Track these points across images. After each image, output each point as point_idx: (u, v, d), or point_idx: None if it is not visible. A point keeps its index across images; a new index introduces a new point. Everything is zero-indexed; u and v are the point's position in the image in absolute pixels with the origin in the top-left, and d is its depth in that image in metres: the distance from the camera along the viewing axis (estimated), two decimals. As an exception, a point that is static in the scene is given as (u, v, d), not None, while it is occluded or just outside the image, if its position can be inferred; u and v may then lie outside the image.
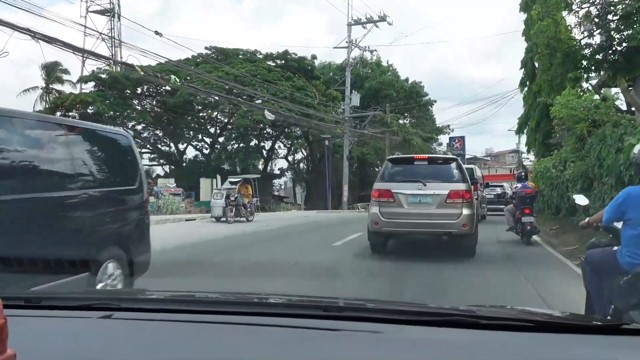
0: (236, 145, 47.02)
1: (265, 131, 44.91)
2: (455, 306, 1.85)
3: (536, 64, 19.62)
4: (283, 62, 45.26)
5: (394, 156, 15.22)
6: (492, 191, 27.18)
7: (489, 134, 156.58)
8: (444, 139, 59.73)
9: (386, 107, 41.21)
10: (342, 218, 24.07)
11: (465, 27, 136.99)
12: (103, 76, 38.71)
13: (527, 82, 21.28)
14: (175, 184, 36.28)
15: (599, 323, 1.85)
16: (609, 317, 4.17)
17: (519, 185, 14.71)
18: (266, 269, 9.73)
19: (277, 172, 52.86)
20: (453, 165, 11.05)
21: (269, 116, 26.35)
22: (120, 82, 38.24)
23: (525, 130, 21.62)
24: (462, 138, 66.94)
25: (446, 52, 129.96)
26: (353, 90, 40.02)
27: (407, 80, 55.64)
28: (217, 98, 39.37)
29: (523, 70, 21.14)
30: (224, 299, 2.19)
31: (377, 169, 46.67)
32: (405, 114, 54.59)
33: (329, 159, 40.82)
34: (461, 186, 10.38)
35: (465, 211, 10.14)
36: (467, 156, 67.28)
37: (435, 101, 55.69)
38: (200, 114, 39.63)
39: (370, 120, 40.45)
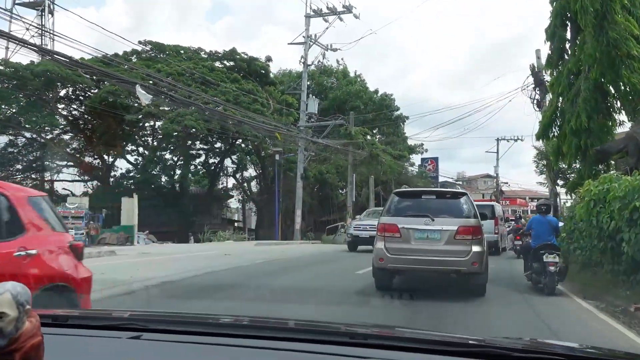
0: (175, 158, 39.14)
1: (193, 143, 37.17)
2: (481, 337, 1.85)
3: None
4: (232, 63, 37.83)
5: (400, 189, 13.88)
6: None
7: (458, 160, 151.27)
8: (416, 159, 52.54)
9: (350, 115, 33.64)
10: (270, 263, 16.00)
11: (435, 52, 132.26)
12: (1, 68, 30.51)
13: (557, 60, 13.78)
14: (76, 205, 27.94)
15: (623, 357, 1.92)
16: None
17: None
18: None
19: (232, 192, 44.93)
20: (462, 199, 10.37)
21: (142, 96, 18.48)
22: (24, 77, 30.15)
23: (553, 133, 13.87)
24: (436, 159, 60.18)
25: (418, 77, 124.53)
26: (311, 96, 32.52)
27: (376, 91, 48.54)
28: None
29: (550, 43, 13.66)
30: (251, 323, 2.21)
31: (341, 192, 39.13)
32: (375, 131, 47.38)
33: (279, 177, 33.06)
34: (471, 222, 9.81)
35: (475, 248, 9.48)
36: (440, 179, 60.64)
37: (407, 117, 48.58)
38: (127, 119, 31.35)
39: (331, 130, 32.81)
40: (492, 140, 67.49)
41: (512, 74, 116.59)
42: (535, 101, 21.35)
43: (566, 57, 13.98)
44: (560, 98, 13.73)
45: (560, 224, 12.78)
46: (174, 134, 32.54)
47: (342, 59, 57.26)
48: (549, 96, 16.17)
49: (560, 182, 20.79)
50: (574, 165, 14.61)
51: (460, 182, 75.97)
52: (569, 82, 13.40)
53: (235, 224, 46.50)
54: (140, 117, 30.42)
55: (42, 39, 35.98)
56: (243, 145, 38.45)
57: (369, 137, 38.61)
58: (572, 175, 20.42)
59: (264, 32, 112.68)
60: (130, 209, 30.58)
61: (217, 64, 37.78)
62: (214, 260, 16.19)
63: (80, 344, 1.78)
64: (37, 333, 1.45)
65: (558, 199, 21.42)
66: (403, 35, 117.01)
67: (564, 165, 16.55)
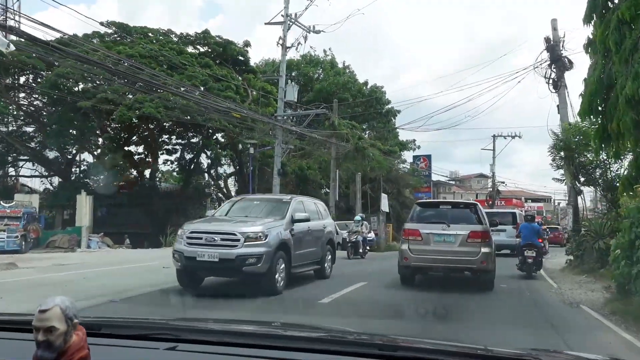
0: (143, 151, 35.00)
1: (166, 136, 33.15)
2: (511, 350, 1.90)
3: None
4: (207, 48, 33.75)
5: (422, 200, 16.04)
6: None
7: (452, 160, 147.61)
8: (407, 156, 48.52)
9: (333, 104, 29.59)
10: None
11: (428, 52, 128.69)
12: None
13: (601, 8, 9.67)
14: (12, 204, 23.82)
15: None
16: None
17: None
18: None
19: (207, 190, 40.62)
20: (473, 209, 11.85)
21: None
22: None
23: (599, 109, 9.66)
24: (428, 157, 56.28)
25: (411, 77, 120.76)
26: (289, 82, 28.45)
27: (365, 83, 44.53)
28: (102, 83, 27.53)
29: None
30: (283, 333, 2.21)
31: (324, 191, 35.06)
32: (364, 126, 43.38)
33: (255, 173, 28.97)
34: (480, 227, 11.23)
35: (484, 249, 10.95)
36: (433, 178, 56.79)
37: (399, 111, 44.56)
38: (80, 106, 27.09)
39: (314, 123, 28.76)
40: (486, 141, 63.52)
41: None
42: (550, 81, 17.44)
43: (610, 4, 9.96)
44: (606, 59, 9.67)
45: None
46: (133, 121, 28.36)
47: (329, 48, 53.42)
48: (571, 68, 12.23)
49: (582, 178, 16.79)
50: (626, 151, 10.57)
51: (454, 182, 72.27)
52: (620, 35, 9.33)
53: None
54: (94, 103, 26.15)
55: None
56: (222, 139, 34.46)
57: (360, 133, 34.51)
58: (596, 168, 16.49)
59: (258, 31, 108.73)
60: (81, 208, 26.49)
61: (190, 48, 33.70)
62: (141, 277, 12.18)
63: (117, 354, 1.80)
64: (84, 346, 1.53)
65: (580, 199, 17.50)
66: (396, 27, 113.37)
67: (603, 156, 12.62)
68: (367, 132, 42.81)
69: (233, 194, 38.10)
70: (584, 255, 15.56)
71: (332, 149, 27.35)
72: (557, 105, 17.30)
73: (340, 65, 45.61)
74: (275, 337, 2.09)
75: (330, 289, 10.43)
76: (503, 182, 55.12)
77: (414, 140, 46.00)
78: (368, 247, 20.73)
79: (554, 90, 17.33)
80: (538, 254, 14.18)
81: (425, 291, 10.94)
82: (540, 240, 15.26)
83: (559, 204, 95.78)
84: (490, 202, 49.34)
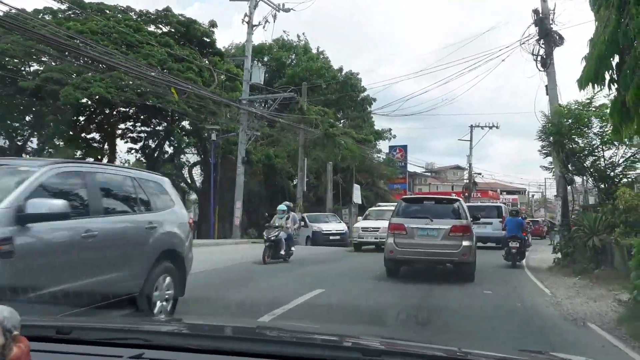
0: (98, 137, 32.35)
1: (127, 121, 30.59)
2: (498, 353, 1.88)
3: None
4: (169, 28, 31.18)
5: (407, 196, 17.06)
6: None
7: (428, 152, 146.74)
8: (383, 145, 46.50)
9: (302, 86, 27.38)
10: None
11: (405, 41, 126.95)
12: None
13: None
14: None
15: None
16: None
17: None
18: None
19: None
20: (456, 205, 12.25)
21: None
22: None
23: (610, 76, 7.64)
24: (404, 147, 54.60)
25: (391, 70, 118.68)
26: (255, 62, 26.20)
27: (340, 69, 42.31)
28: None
29: None
30: (262, 337, 2.06)
31: (292, 183, 32.85)
32: (339, 115, 41.22)
33: (218, 161, 26.70)
34: (462, 222, 11.65)
35: (465, 243, 11.32)
36: (408, 169, 55.08)
37: (375, 99, 42.50)
38: (22, 86, 24.40)
39: (284, 109, 26.53)
40: (463, 132, 61.86)
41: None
42: (539, 58, 15.49)
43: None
44: (623, 13, 7.66)
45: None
46: (87, 105, 25.83)
47: (303, 33, 50.92)
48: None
49: (571, 167, 14.93)
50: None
51: (430, 173, 70.70)
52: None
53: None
54: (39, 83, 23.54)
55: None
56: (188, 126, 32.00)
57: (328, 117, 32.23)
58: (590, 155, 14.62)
59: (236, 18, 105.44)
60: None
61: (153, 28, 31.12)
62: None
63: None
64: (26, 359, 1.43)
65: (571, 188, 15.60)
66: (377, 15, 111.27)
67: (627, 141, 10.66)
68: (342, 121, 40.75)
69: (198, 184, 35.78)
70: (574, 254, 13.72)
71: (300, 135, 25.15)
72: (546, 86, 15.38)
73: (314, 51, 43.38)
74: (253, 341, 1.94)
75: None
76: (480, 174, 53.57)
77: (390, 130, 43.92)
78: (293, 248, 15.70)
79: (542, 69, 15.39)
80: (521, 245, 15.62)
81: (402, 301, 8.91)
82: (524, 234, 16.49)
83: (533, 196, 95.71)
84: (467, 194, 47.90)
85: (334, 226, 25.93)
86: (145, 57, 24.89)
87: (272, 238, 14.74)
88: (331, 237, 25.58)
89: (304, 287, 9.84)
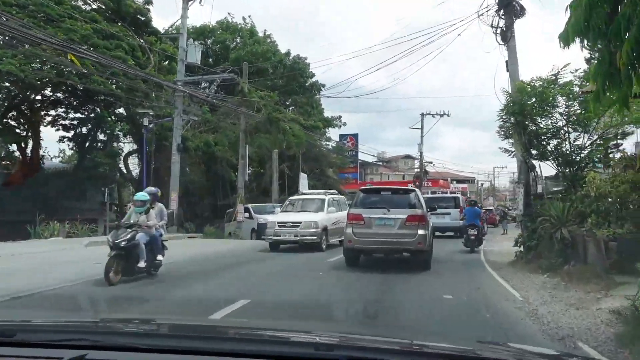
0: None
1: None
2: (466, 347, 1.84)
3: None
4: (99, 5, 28.29)
5: (365, 187, 15.41)
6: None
7: (380, 141, 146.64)
8: (334, 134, 44.77)
9: (243, 66, 25.17)
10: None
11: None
12: None
13: None
14: None
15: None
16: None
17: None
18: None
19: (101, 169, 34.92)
20: (412, 195, 12.43)
21: None
22: None
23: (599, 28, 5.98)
24: (355, 136, 53.51)
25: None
26: (191, 41, 23.84)
27: (288, 54, 40.18)
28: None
29: None
30: (212, 334, 2.03)
31: (234, 172, 30.52)
32: (288, 103, 39.12)
33: (151, 149, 24.28)
34: (417, 212, 11.80)
35: (420, 232, 11.51)
36: (359, 159, 53.69)
37: (323, 85, 40.67)
38: None
39: (222, 89, 24.25)
40: (412, 122, 60.77)
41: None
42: (499, 31, 13.94)
43: None
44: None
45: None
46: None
47: (249, 16, 48.56)
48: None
49: (534, 151, 13.47)
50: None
51: (381, 163, 69.62)
52: None
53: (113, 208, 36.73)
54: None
55: None
56: (123, 112, 29.25)
57: (271, 100, 29.97)
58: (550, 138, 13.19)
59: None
60: None
61: (80, 3, 28.16)
62: None
63: None
64: None
65: (534, 174, 14.16)
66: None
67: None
68: (291, 108, 38.71)
69: (134, 174, 33.07)
70: (539, 247, 12.26)
71: (241, 120, 23.01)
72: (506, 61, 13.85)
73: (260, 35, 41.06)
74: (201, 339, 1.86)
75: None
76: (431, 163, 52.61)
77: (340, 117, 42.24)
78: (160, 257, 10.26)
79: (502, 42, 13.86)
80: (479, 233, 17.25)
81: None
82: (481, 222, 17.95)
83: (482, 184, 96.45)
84: (418, 183, 46.95)
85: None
86: (66, 33, 22.15)
87: (123, 244, 9.38)
88: (278, 229, 23.77)
89: None
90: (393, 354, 1.71)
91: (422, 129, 49.10)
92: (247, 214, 23.92)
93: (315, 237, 16.09)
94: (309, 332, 2.05)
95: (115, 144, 30.90)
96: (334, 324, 5.56)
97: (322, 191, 19.90)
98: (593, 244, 9.67)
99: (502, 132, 13.69)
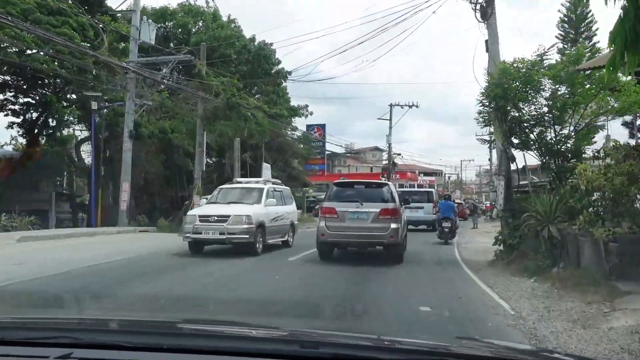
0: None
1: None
2: (447, 344, 1.86)
3: None
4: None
5: (338, 181, 14.51)
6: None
7: (348, 134, 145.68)
8: (300, 124, 43.11)
9: (201, 47, 23.34)
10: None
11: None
12: None
13: None
14: None
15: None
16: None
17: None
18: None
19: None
20: (385, 189, 12.42)
21: None
22: None
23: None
24: (322, 126, 51.99)
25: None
26: (144, 18, 21.90)
27: (252, 39, 38.30)
28: None
29: None
30: (196, 332, 1.96)
31: (192, 163, 28.61)
32: (254, 91, 37.26)
33: (100, 135, 22.30)
34: (390, 205, 11.77)
35: (393, 225, 11.54)
36: (327, 149, 52.38)
37: (290, 72, 39.01)
38: None
39: (179, 72, 22.40)
40: (380, 113, 59.55)
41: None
42: (478, 7, 12.59)
43: None
44: None
45: None
46: None
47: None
48: None
49: (515, 140, 12.20)
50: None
51: (349, 154, 68.38)
52: None
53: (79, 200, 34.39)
54: None
55: None
56: (74, 96, 27.04)
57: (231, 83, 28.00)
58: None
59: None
60: None
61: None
62: None
63: None
64: None
65: (515, 165, 12.92)
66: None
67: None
68: (257, 96, 36.85)
69: (87, 162, 30.83)
70: (521, 245, 11.01)
71: (198, 105, 21.22)
72: (486, 41, 12.51)
73: (224, 19, 39.07)
74: (186, 336, 1.87)
75: None
76: (399, 154, 51.58)
77: (306, 106, 40.48)
78: None
79: (481, 20, 12.51)
80: (453, 225, 17.96)
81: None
82: (455, 216, 18.73)
83: (449, 177, 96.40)
84: (386, 175, 45.89)
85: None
86: (3, 6, 19.99)
87: None
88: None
89: None
90: (363, 349, 1.67)
91: (390, 120, 47.99)
92: (205, 207, 22.25)
93: (247, 236, 12.64)
94: (293, 330, 2.03)
95: (65, 131, 28.68)
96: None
97: (261, 179, 16.73)
98: (589, 245, 8.41)
99: (482, 119, 12.37)
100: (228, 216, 12.84)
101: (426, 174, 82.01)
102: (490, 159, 58.26)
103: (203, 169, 21.68)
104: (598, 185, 9.33)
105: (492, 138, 12.89)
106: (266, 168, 24.51)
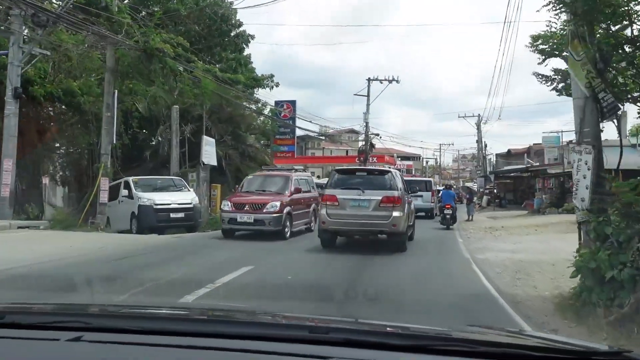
0: None
1: None
2: (447, 329, 1.77)
3: None
4: None
5: (340, 167, 15.68)
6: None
7: (324, 119, 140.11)
8: (268, 97, 37.02)
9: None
10: None
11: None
12: None
13: None
14: None
15: (600, 350, 1.69)
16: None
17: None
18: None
19: None
20: (387, 176, 12.31)
21: None
22: None
23: None
24: (293, 103, 45.61)
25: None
26: None
27: (208, -6, 31.84)
28: None
29: None
30: (204, 316, 1.98)
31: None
32: (210, 59, 30.96)
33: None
34: (393, 193, 11.61)
35: (395, 213, 11.34)
36: (301, 133, 46.56)
37: (253, 36, 33.00)
38: None
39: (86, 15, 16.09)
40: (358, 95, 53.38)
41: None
42: None
43: None
44: None
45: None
46: None
47: None
48: None
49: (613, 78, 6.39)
50: None
51: (323, 137, 62.64)
52: None
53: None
54: None
55: None
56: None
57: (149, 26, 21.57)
58: None
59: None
60: None
61: None
62: None
63: (14, 348, 1.48)
64: None
65: (616, 124, 7.11)
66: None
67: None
68: (218, 65, 30.63)
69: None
70: (638, 284, 5.32)
71: (107, 53, 15.08)
72: None
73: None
74: (198, 321, 1.87)
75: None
76: (378, 135, 45.98)
77: (272, 76, 34.31)
78: None
79: None
80: (454, 212, 19.57)
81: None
82: (455, 203, 20.41)
83: (427, 162, 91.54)
84: (362, 158, 40.45)
85: (176, 197, 16.73)
86: None
87: None
88: (172, 215, 16.57)
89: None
90: (384, 336, 1.62)
91: (368, 96, 42.29)
92: (126, 191, 16.36)
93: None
94: (301, 315, 2.02)
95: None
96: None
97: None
98: None
99: (547, 46, 6.55)
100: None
101: (404, 157, 77.32)
102: (478, 140, 53.05)
103: (113, 141, 15.60)
104: None
105: (555, 75, 7.12)
106: (208, 143, 18.55)
